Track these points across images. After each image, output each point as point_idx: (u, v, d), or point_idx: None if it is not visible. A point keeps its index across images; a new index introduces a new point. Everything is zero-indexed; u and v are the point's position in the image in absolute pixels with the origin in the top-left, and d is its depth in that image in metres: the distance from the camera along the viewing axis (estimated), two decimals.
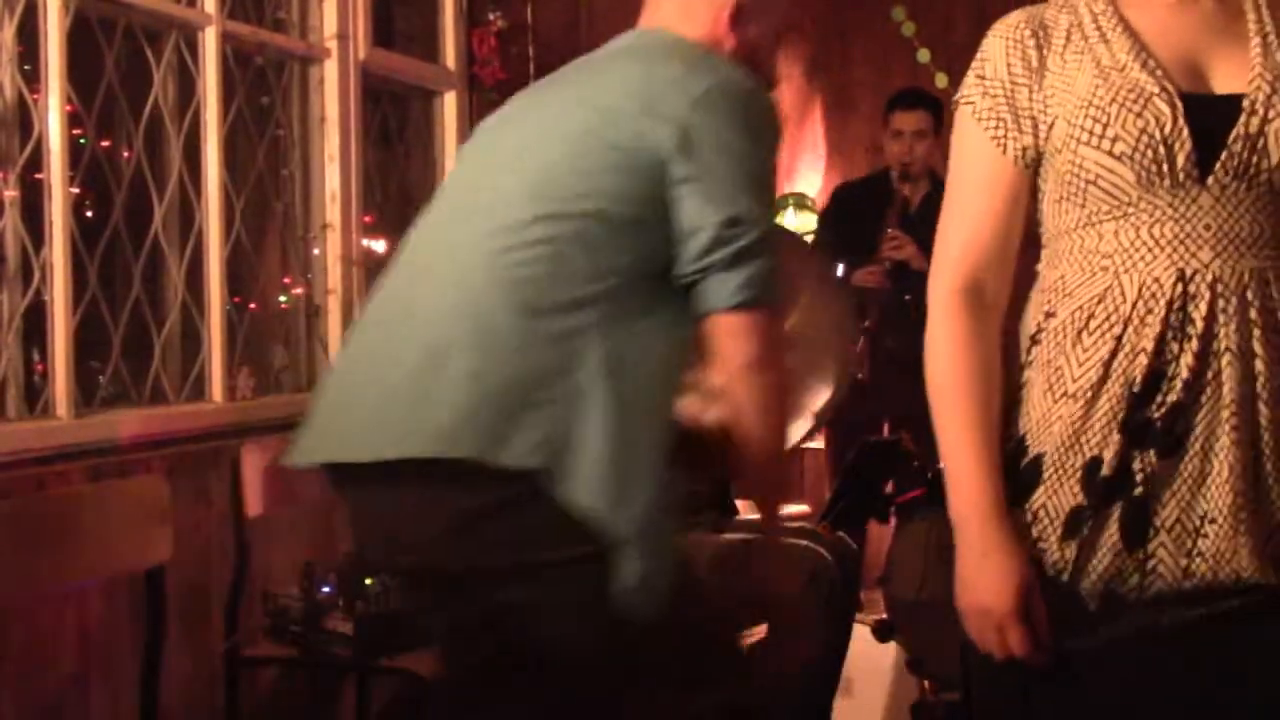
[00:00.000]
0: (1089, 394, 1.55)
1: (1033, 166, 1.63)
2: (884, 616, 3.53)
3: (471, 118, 4.01)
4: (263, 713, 3.16)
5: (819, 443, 5.29)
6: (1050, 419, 1.58)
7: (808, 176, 5.57)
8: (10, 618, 2.51)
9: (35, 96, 2.70)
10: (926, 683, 3.37)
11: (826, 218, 4.68)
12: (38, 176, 2.72)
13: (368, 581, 2.81)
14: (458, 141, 3.97)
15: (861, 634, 3.26)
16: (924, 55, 5.31)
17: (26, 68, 2.71)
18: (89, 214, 2.93)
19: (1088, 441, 1.55)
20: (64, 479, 2.66)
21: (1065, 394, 1.57)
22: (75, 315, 2.76)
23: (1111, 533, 1.55)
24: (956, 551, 1.58)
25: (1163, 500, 1.53)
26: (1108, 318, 1.55)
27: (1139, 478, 1.53)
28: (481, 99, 4.04)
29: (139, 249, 3.00)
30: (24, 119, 2.70)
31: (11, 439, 2.59)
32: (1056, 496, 1.57)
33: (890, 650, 3.31)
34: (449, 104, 3.97)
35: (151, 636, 2.43)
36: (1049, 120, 1.59)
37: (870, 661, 3.36)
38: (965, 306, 1.61)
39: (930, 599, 3.46)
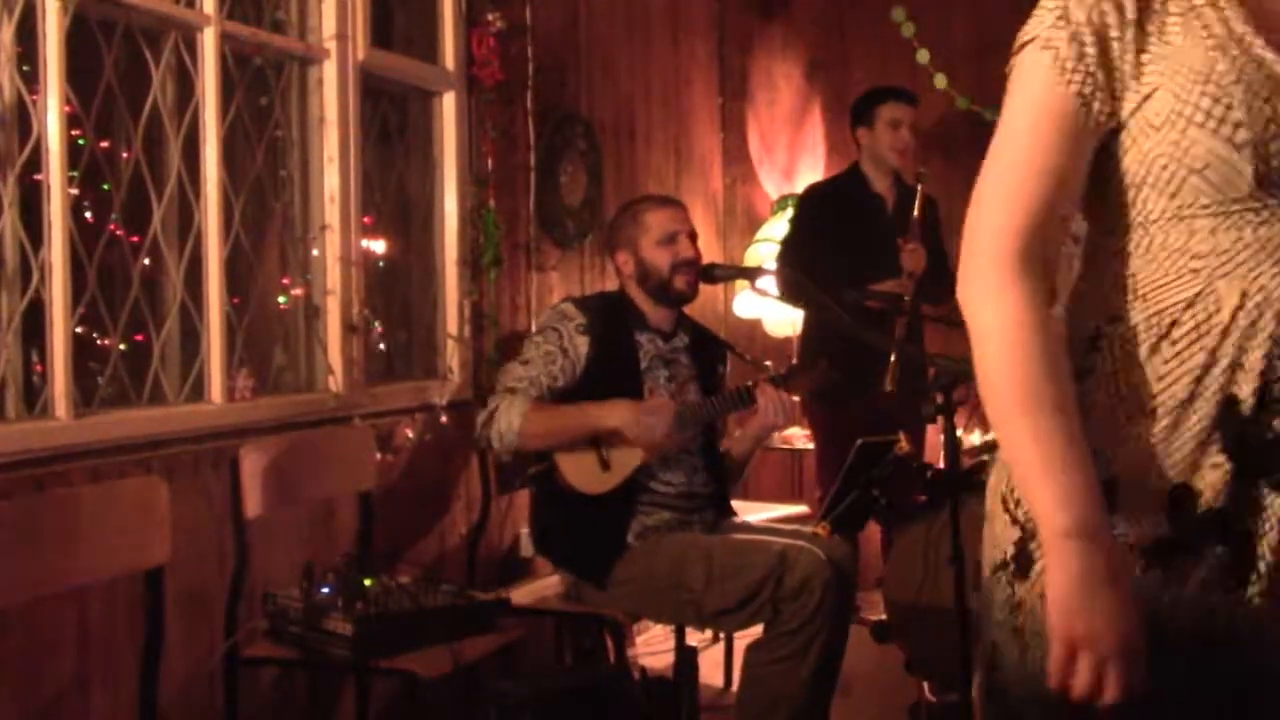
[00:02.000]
0: (1175, 412, 1.36)
1: (1106, 136, 1.40)
2: (882, 617, 3.53)
3: (470, 118, 4.02)
4: (262, 713, 3.16)
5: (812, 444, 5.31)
6: (1123, 438, 1.38)
7: (807, 177, 5.57)
8: (10, 618, 2.51)
9: (34, 97, 2.70)
10: (925, 683, 3.37)
11: (799, 222, 4.54)
12: (37, 177, 2.72)
13: (367, 582, 2.82)
14: (457, 142, 3.98)
15: (860, 634, 3.27)
16: (924, 55, 5.31)
17: (25, 68, 2.71)
18: (88, 215, 2.93)
19: (1172, 465, 1.36)
20: (64, 479, 2.66)
21: (1142, 410, 1.37)
22: (74, 316, 2.76)
23: (1209, 568, 1.36)
24: (1054, 567, 1.33)
25: (1266, 536, 1.35)
26: (1197, 327, 1.36)
27: (1247, 509, 1.35)
28: (480, 99, 4.04)
29: (138, 249, 3.00)
30: (23, 119, 2.70)
31: (11, 439, 2.59)
32: (1137, 525, 1.37)
33: (889, 651, 3.31)
34: (448, 104, 3.97)
35: (151, 636, 2.43)
36: (1145, 90, 1.37)
37: (869, 662, 3.36)
38: (1024, 278, 1.37)
39: (929, 602, 3.47)
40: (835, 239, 4.30)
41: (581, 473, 3.25)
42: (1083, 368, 1.42)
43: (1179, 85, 1.35)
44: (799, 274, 4.06)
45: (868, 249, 4.25)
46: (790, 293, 3.91)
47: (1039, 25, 1.41)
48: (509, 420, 3.18)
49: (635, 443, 3.21)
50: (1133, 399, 1.38)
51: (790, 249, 4.44)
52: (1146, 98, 1.37)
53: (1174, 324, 1.37)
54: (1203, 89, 1.34)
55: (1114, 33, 1.37)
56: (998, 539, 1.46)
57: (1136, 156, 1.39)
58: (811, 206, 4.53)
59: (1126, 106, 1.38)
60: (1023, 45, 1.42)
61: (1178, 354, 1.36)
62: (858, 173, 4.49)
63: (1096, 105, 1.37)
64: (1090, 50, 1.37)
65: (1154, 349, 1.37)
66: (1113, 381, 1.40)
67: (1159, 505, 1.36)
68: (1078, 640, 1.31)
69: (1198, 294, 1.36)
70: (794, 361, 3.45)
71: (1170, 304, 1.37)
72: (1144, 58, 1.37)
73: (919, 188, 4.27)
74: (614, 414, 3.20)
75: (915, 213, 4.25)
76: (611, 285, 3.66)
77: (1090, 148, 1.40)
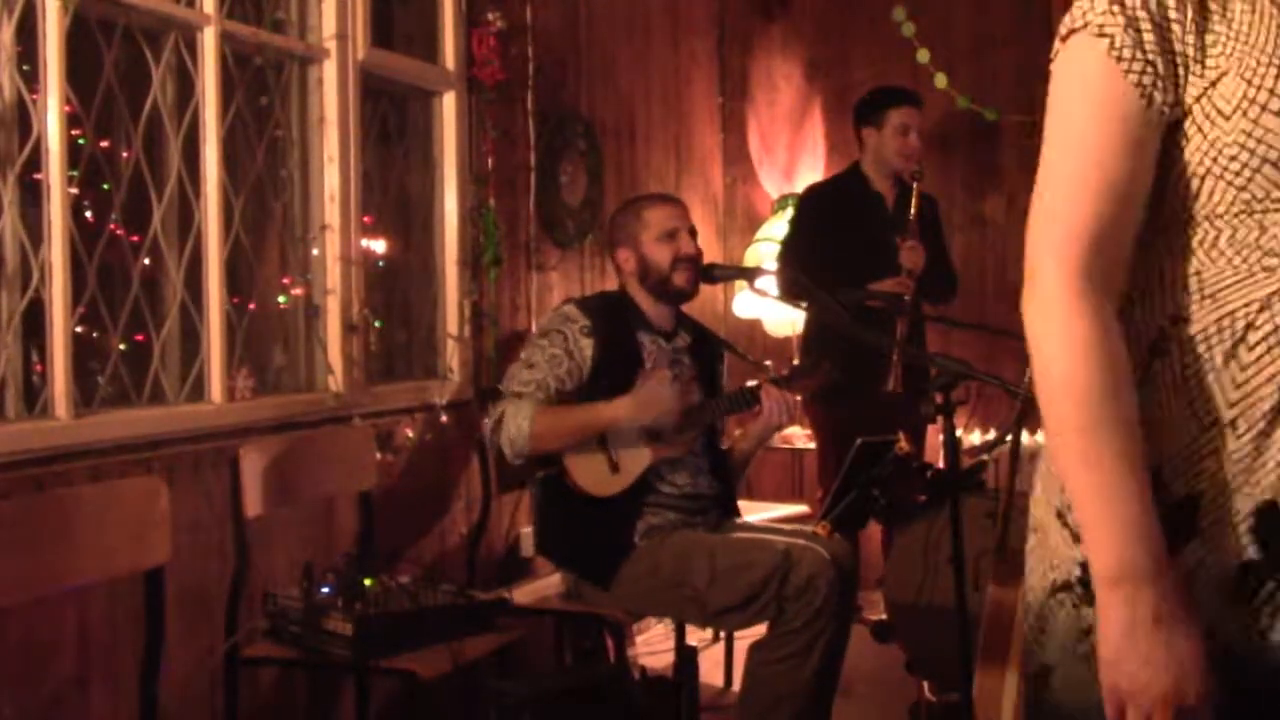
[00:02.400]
0: (1260, 423, 1.26)
1: (1168, 127, 1.30)
2: (883, 617, 3.53)
3: (471, 118, 4.02)
4: (262, 713, 3.16)
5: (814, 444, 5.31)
6: (1199, 451, 1.28)
7: (807, 177, 5.57)
8: (10, 618, 2.51)
9: (34, 97, 2.70)
10: (926, 683, 3.38)
11: (800, 222, 4.52)
12: (37, 176, 2.72)
13: (367, 582, 2.81)
14: (457, 141, 3.98)
15: (861, 634, 3.27)
16: (924, 55, 5.31)
17: (26, 68, 2.71)
18: (88, 214, 2.93)
19: (1258, 481, 1.25)
20: (64, 479, 2.66)
21: (1220, 422, 1.27)
22: (74, 315, 2.76)
23: None
24: (1101, 616, 1.27)
25: None
26: (1276, 330, 1.26)
27: None
28: (480, 99, 4.04)
29: (138, 249, 3.00)
30: (23, 119, 2.70)
31: (11, 439, 2.59)
32: (1219, 549, 1.27)
33: (890, 650, 3.31)
34: (448, 104, 3.97)
35: (151, 636, 2.43)
36: (1210, 74, 1.27)
37: (870, 661, 3.37)
38: (1088, 297, 1.28)
39: (929, 602, 3.47)
40: (836, 238, 4.29)
41: (592, 475, 3.24)
42: (1145, 376, 1.32)
43: (1249, 69, 1.25)
44: (799, 273, 4.07)
45: (868, 248, 4.25)
46: (791, 292, 3.91)
47: (1090, 10, 1.30)
48: (518, 424, 3.16)
49: (651, 418, 3.18)
50: (1208, 409, 1.28)
51: (791, 249, 4.44)
52: (1213, 83, 1.27)
53: (1249, 327, 1.27)
54: (1278, 73, 1.24)
55: (1174, 14, 1.27)
56: (1057, 557, 1.37)
57: (1201, 146, 1.29)
58: (812, 206, 4.52)
59: (1190, 93, 1.28)
60: (1071, 32, 1.31)
61: (1256, 360, 1.26)
62: (858, 172, 4.48)
63: (1159, 96, 1.27)
64: (1149, 37, 1.26)
65: (1229, 355, 1.27)
66: (1183, 390, 1.30)
67: (1245, 526, 1.26)
68: (1123, 693, 1.25)
69: (1272, 294, 1.26)
70: (796, 362, 3.43)
71: (1241, 305, 1.27)
72: (1208, 39, 1.27)
73: (914, 186, 4.26)
74: (619, 405, 3.19)
75: (912, 211, 4.24)
76: (611, 285, 3.65)
77: (1155, 143, 1.29)
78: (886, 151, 4.38)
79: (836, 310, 3.34)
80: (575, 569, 3.34)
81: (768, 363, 3.71)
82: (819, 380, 3.45)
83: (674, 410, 3.23)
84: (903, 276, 4.16)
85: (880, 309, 4.08)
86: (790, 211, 5.35)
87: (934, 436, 4.27)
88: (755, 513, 4.15)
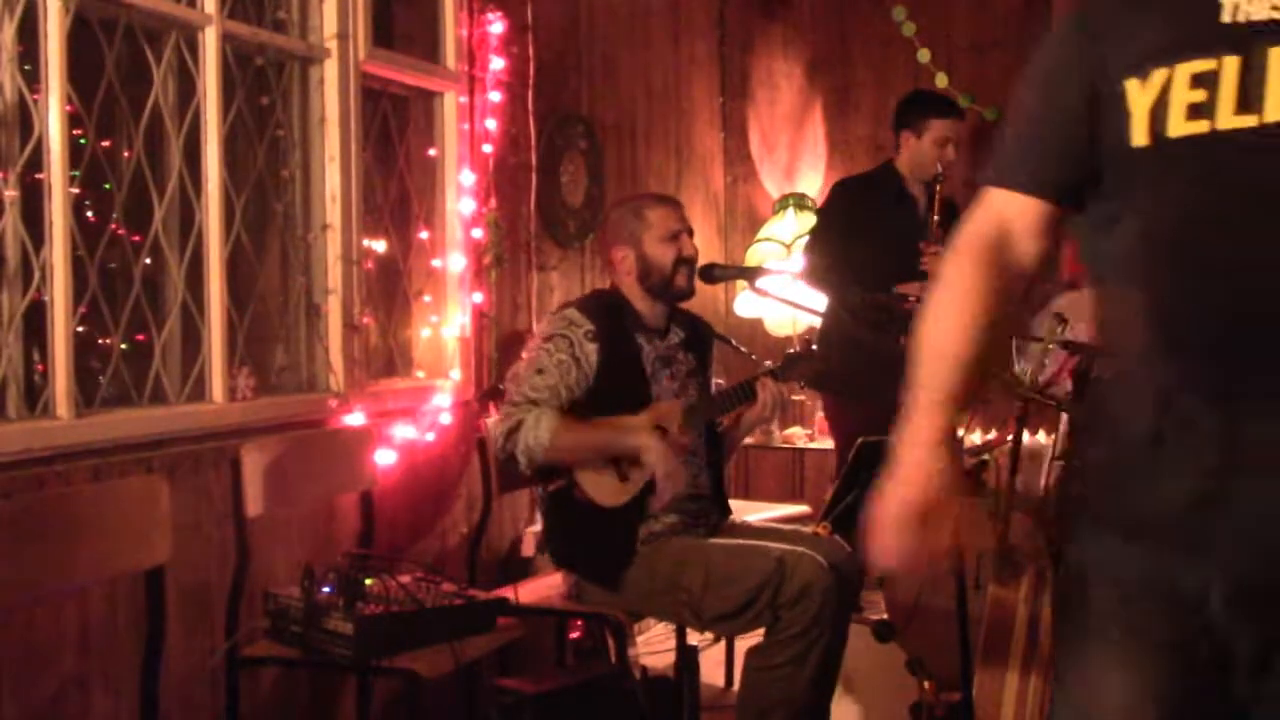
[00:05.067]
0: None
1: None
2: (884, 617, 3.53)
3: (471, 118, 4.02)
4: (263, 713, 3.16)
5: (822, 443, 5.31)
6: None
7: (808, 176, 5.58)
8: (10, 618, 2.51)
9: (35, 96, 2.70)
10: (926, 683, 3.37)
11: (829, 214, 4.45)
12: (38, 176, 2.72)
13: (368, 582, 2.82)
14: (457, 141, 3.98)
15: (861, 634, 3.27)
16: (924, 55, 5.31)
17: (27, 68, 2.71)
18: (89, 214, 2.94)
19: None
20: (64, 479, 2.66)
21: None
22: (75, 315, 2.76)
23: None
24: None
25: None
26: None
27: None
28: (481, 99, 4.04)
29: (139, 249, 3.00)
30: (24, 119, 2.70)
31: (11, 439, 2.59)
32: None
33: (890, 650, 3.31)
34: (449, 104, 3.97)
35: (151, 636, 2.43)
36: None
37: (870, 661, 3.36)
38: None
39: (929, 602, 3.47)
40: (866, 234, 4.23)
41: (603, 487, 3.23)
42: None
43: None
44: (824, 270, 4.07)
45: (897, 248, 4.20)
46: (818, 284, 3.90)
47: None
48: (537, 435, 3.13)
49: (652, 468, 3.20)
50: None
51: (819, 241, 4.37)
52: None
53: None
54: None
55: None
56: None
57: None
58: (843, 200, 4.42)
59: None
60: None
61: None
62: (894, 172, 4.39)
63: None
64: None
65: None
66: None
67: None
68: None
69: None
70: (790, 351, 3.43)
71: None
72: None
73: (937, 189, 4.22)
74: (641, 437, 3.19)
75: (934, 215, 4.21)
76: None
77: None
78: (922, 159, 4.32)
79: (851, 310, 3.32)
80: (584, 574, 3.32)
81: (748, 352, 3.70)
82: (812, 368, 3.43)
83: (680, 483, 3.26)
84: (928, 281, 4.13)
85: (905, 310, 4.05)
86: (791, 212, 5.35)
87: None
88: (755, 513, 4.15)
